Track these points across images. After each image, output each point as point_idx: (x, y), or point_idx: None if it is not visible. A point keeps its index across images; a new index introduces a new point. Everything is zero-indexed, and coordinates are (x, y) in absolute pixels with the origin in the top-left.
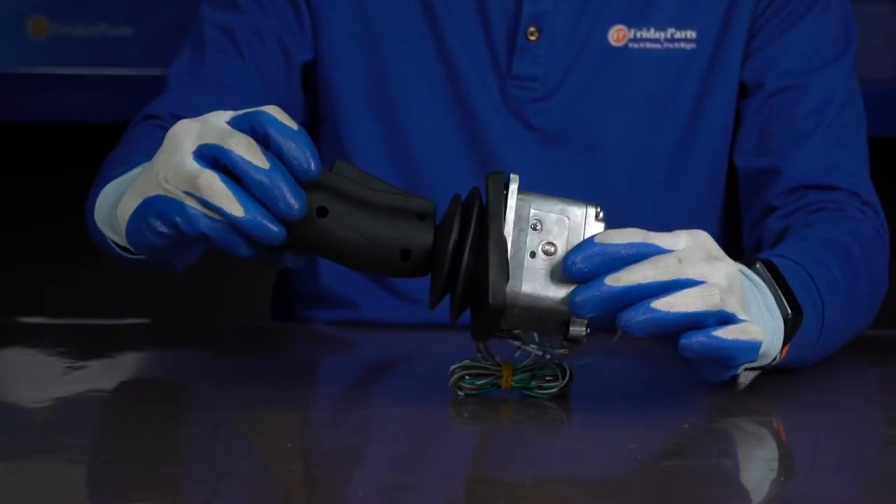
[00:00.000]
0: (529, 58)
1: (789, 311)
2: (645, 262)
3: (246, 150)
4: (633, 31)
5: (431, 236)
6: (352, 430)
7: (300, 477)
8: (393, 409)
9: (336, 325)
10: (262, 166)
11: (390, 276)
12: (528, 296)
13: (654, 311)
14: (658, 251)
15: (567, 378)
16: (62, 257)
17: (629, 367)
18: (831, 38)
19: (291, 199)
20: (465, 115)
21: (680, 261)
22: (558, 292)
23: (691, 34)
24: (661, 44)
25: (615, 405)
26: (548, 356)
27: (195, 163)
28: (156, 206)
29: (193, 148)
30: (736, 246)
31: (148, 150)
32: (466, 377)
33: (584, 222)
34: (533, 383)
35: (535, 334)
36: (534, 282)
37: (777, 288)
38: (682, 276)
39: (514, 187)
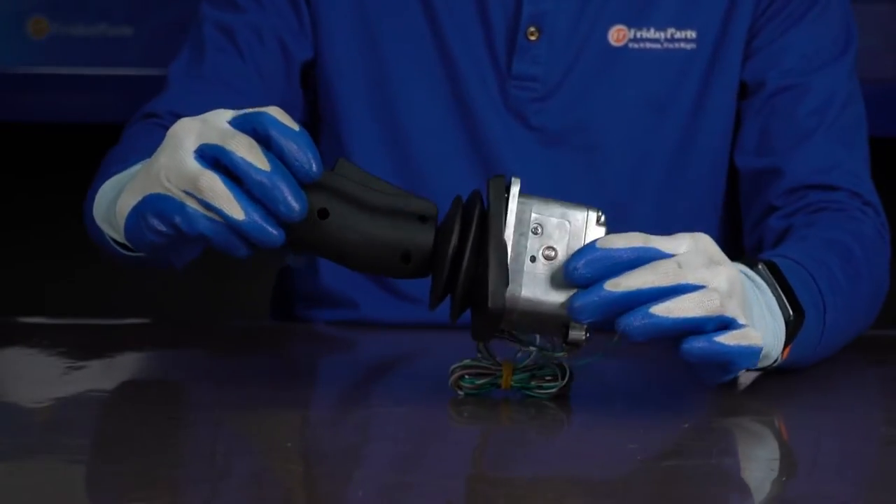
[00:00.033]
0: (529, 58)
1: (791, 313)
2: (644, 267)
3: (247, 151)
4: (633, 31)
5: (432, 238)
6: (352, 430)
7: (300, 477)
8: (393, 409)
9: (336, 325)
10: (264, 168)
11: (391, 277)
12: (528, 300)
13: (652, 316)
14: (659, 255)
15: (567, 378)
16: (62, 257)
17: (629, 367)
18: (832, 38)
19: (292, 201)
20: (465, 115)
21: (680, 266)
22: (558, 297)
23: (691, 34)
24: (661, 44)
25: (615, 405)
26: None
27: (196, 163)
28: (155, 205)
29: (195, 147)
30: (736, 246)
31: (147, 148)
32: (466, 376)
33: (585, 227)
34: (532, 383)
35: (536, 335)
36: (533, 286)
37: (779, 289)
38: (682, 282)
39: (515, 191)
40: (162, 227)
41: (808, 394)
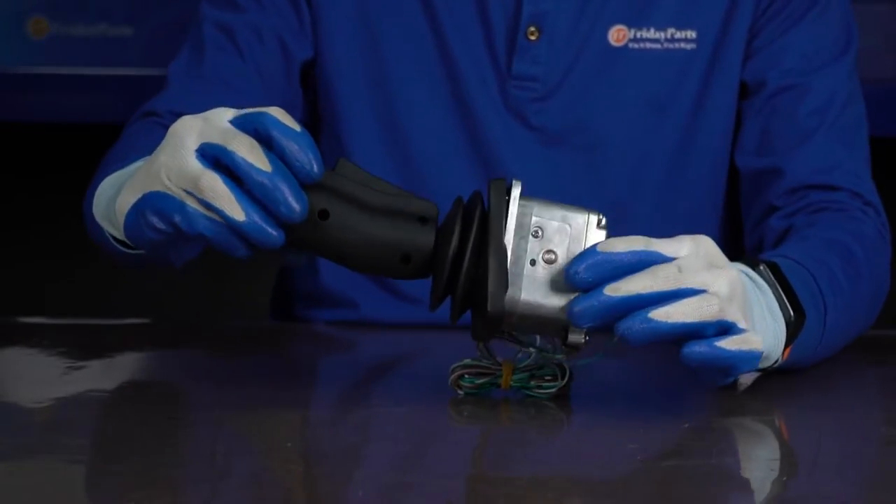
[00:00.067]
0: (529, 58)
1: (792, 314)
2: (644, 271)
3: (248, 151)
4: (633, 31)
5: (432, 240)
6: (352, 430)
7: (300, 477)
8: (393, 409)
9: (336, 325)
10: (265, 169)
11: (391, 278)
12: (527, 304)
13: (650, 321)
14: (660, 259)
15: (566, 378)
16: (62, 257)
17: (629, 367)
18: (832, 37)
19: (293, 202)
20: (466, 115)
21: (680, 270)
22: (557, 301)
23: (691, 34)
24: (662, 44)
25: (615, 405)
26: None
27: (197, 162)
28: (155, 203)
29: (196, 146)
30: (737, 246)
31: (147, 146)
32: (466, 376)
33: (586, 230)
34: (532, 383)
35: (537, 336)
36: (533, 290)
37: (780, 290)
38: (682, 286)
39: (515, 194)
40: (161, 226)
41: (808, 394)
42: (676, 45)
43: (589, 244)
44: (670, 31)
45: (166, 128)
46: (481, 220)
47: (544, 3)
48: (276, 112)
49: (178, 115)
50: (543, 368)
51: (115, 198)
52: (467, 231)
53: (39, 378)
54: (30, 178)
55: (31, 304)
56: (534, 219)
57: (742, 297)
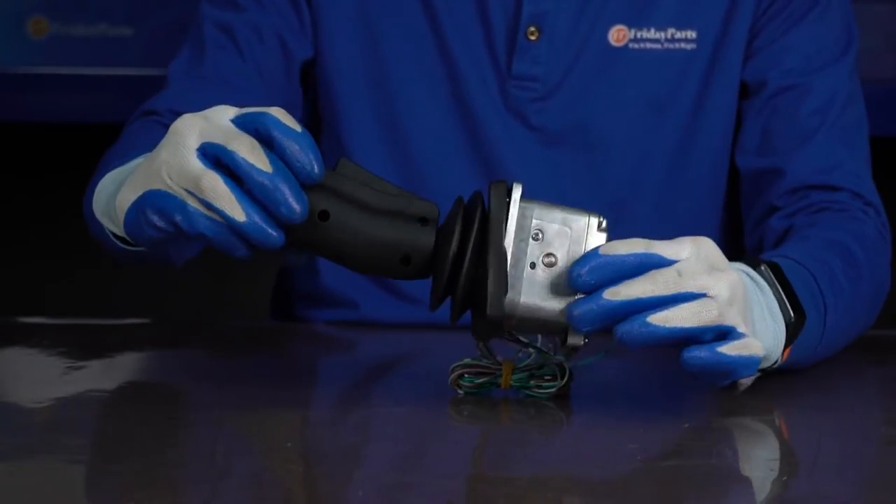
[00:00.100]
0: (530, 58)
1: (792, 315)
2: (644, 276)
3: (249, 152)
4: (633, 32)
5: (433, 241)
6: (352, 430)
7: (300, 477)
8: (393, 409)
9: (336, 325)
10: (265, 169)
11: (391, 279)
12: (527, 307)
13: (648, 325)
14: (662, 261)
15: (566, 378)
16: (62, 257)
17: (629, 367)
18: (833, 38)
19: (293, 203)
20: (466, 115)
21: (680, 274)
22: (557, 304)
23: (692, 34)
24: (662, 44)
25: (615, 405)
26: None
27: (198, 162)
28: (156, 202)
29: (197, 145)
30: (737, 246)
31: (147, 145)
32: (466, 375)
33: (586, 233)
34: (532, 382)
35: (538, 335)
36: (533, 293)
37: (780, 291)
38: (681, 291)
39: (516, 196)
40: (162, 224)
41: (808, 394)
42: (677, 45)
43: (589, 247)
44: (670, 31)
45: (166, 126)
46: (482, 221)
47: (544, 3)
48: (277, 112)
49: (178, 113)
50: (543, 368)
51: (115, 194)
52: (468, 232)
53: (39, 378)
54: (30, 178)
55: (31, 304)
56: (534, 221)
57: (742, 300)
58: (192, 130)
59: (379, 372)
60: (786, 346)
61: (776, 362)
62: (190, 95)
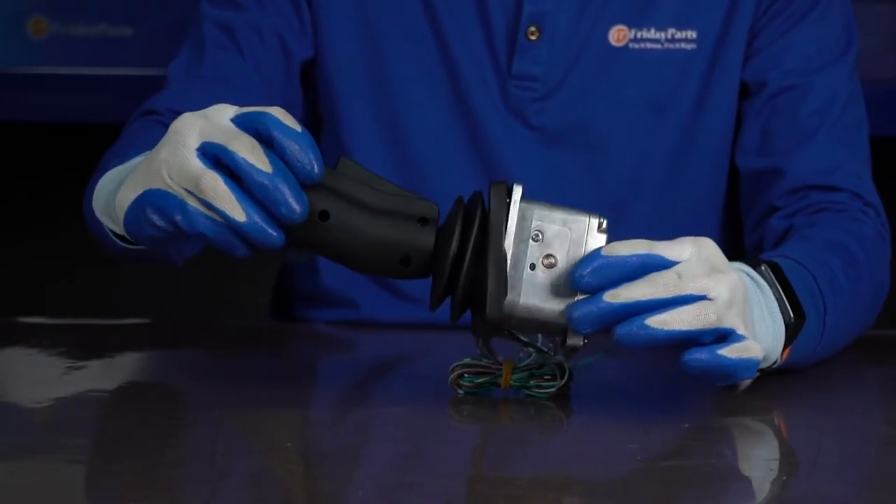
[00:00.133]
0: (530, 57)
1: (792, 315)
2: (644, 278)
3: (249, 152)
4: (633, 32)
5: (432, 242)
6: (352, 430)
7: (300, 477)
8: (393, 409)
9: (336, 325)
10: (265, 169)
11: (391, 278)
12: (526, 308)
13: (647, 327)
14: (664, 262)
15: (565, 378)
16: (62, 257)
17: (629, 367)
18: (833, 38)
19: (293, 203)
20: (466, 114)
21: (680, 276)
22: (557, 305)
23: (692, 34)
24: (662, 44)
25: (615, 405)
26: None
27: (199, 162)
28: (156, 201)
29: (197, 145)
30: (737, 246)
31: (147, 144)
32: (466, 375)
33: (586, 234)
34: (532, 382)
35: (538, 335)
36: (532, 294)
37: (780, 291)
38: (681, 293)
39: (516, 197)
40: (161, 223)
41: (808, 394)
42: (677, 45)
43: (589, 248)
44: (671, 31)
45: (166, 126)
46: (482, 221)
47: (544, 3)
48: (277, 112)
49: (179, 113)
50: (543, 368)
51: (115, 193)
52: (467, 232)
53: (39, 378)
54: (30, 178)
55: (31, 304)
56: (534, 223)
57: (742, 301)
58: (192, 130)
59: (379, 372)
60: (785, 347)
61: (775, 362)
62: (190, 95)
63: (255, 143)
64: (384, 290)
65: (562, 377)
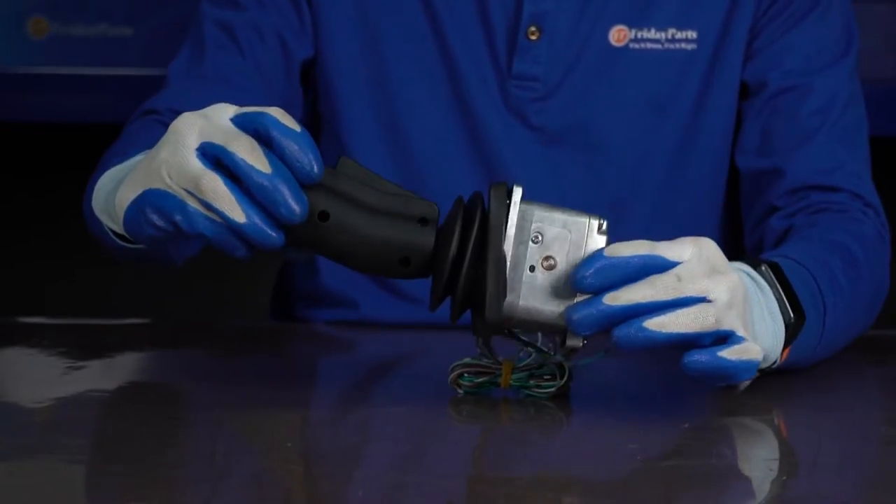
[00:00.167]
0: (530, 57)
1: (792, 316)
2: (644, 281)
3: (249, 153)
4: (633, 32)
5: (432, 242)
6: (352, 430)
7: (300, 477)
8: (393, 409)
9: (336, 325)
10: (264, 170)
11: (391, 278)
12: (526, 310)
13: (645, 330)
14: (665, 263)
15: (565, 378)
16: (62, 257)
17: (629, 367)
18: (833, 39)
19: (293, 204)
20: (466, 114)
21: (679, 279)
22: (556, 307)
23: (692, 34)
24: (662, 44)
25: (615, 405)
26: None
27: (198, 162)
28: (156, 201)
29: (196, 145)
30: (737, 246)
31: (147, 143)
32: (465, 374)
33: (586, 236)
34: (531, 382)
35: (539, 334)
36: (532, 296)
37: (781, 291)
38: (681, 296)
39: (516, 199)
40: (161, 224)
41: (808, 394)
42: (677, 45)
43: (589, 250)
44: (671, 31)
45: (166, 126)
46: (481, 222)
47: (545, 3)
48: (276, 112)
49: (179, 113)
50: (543, 368)
51: (114, 192)
52: (467, 232)
53: (39, 378)
54: (30, 178)
55: (31, 304)
56: (534, 224)
57: (742, 303)
58: (192, 130)
59: (379, 372)
60: (785, 347)
61: (775, 362)
62: (190, 94)
63: (254, 143)
64: (384, 290)
65: (561, 377)
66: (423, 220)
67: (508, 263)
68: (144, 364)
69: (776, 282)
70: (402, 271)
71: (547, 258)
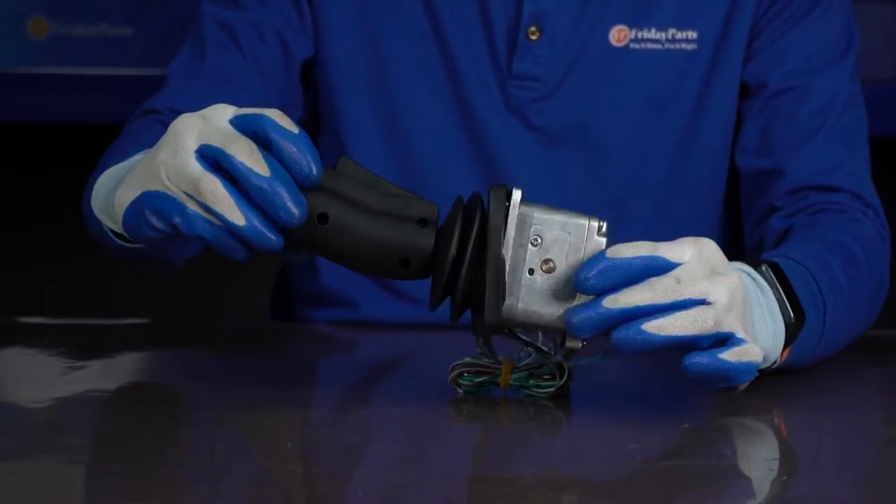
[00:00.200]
0: (530, 57)
1: (792, 316)
2: (643, 283)
3: (247, 156)
4: (634, 32)
5: (432, 243)
6: (352, 430)
7: (300, 477)
8: (393, 409)
9: (336, 325)
10: (263, 173)
11: (391, 279)
12: (525, 313)
13: (643, 332)
14: (667, 264)
15: (564, 378)
16: (62, 257)
17: (629, 367)
18: (833, 39)
19: (292, 207)
20: (466, 114)
21: (678, 281)
22: (555, 309)
23: (692, 35)
24: (662, 44)
25: (615, 405)
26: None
27: (197, 164)
28: (155, 203)
29: (195, 147)
30: (737, 246)
31: (146, 143)
32: (465, 374)
33: (586, 238)
34: (531, 382)
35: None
36: (531, 300)
37: (781, 291)
38: (680, 298)
39: (516, 201)
40: (160, 225)
41: (808, 394)
42: (677, 45)
43: (588, 252)
44: (671, 31)
45: (166, 125)
46: (481, 223)
47: (545, 3)
48: (274, 114)
49: (179, 112)
50: (542, 368)
51: (113, 191)
52: (467, 232)
53: (39, 378)
54: (30, 178)
55: (31, 304)
56: (533, 227)
57: (742, 304)
58: (191, 132)
59: (379, 372)
60: (785, 347)
61: (775, 362)
62: (190, 94)
63: (253, 146)
64: (384, 289)
65: (561, 377)
66: (423, 222)
67: (507, 267)
68: (144, 364)
69: (776, 282)
70: (402, 272)
71: (546, 261)
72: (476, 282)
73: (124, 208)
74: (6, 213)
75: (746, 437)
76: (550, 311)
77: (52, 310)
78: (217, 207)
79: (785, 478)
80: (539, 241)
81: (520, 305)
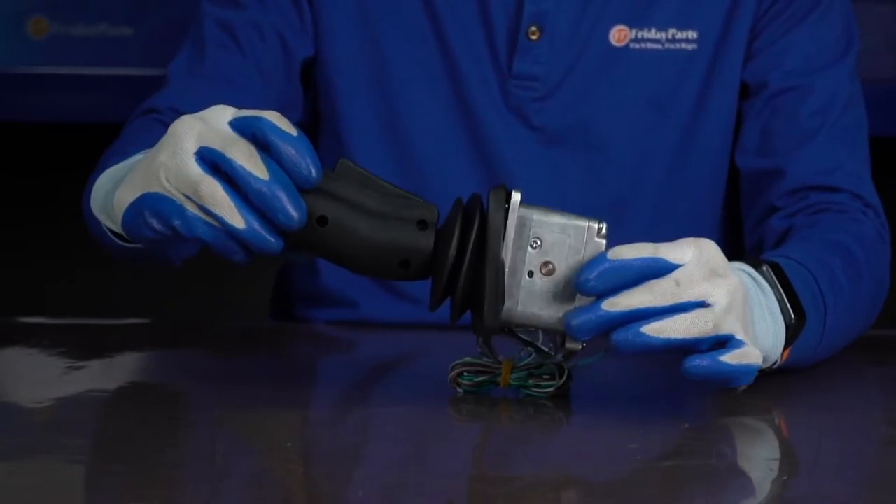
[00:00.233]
0: (531, 57)
1: (792, 316)
2: (643, 286)
3: (247, 159)
4: (634, 32)
5: (431, 245)
6: (352, 430)
7: (300, 477)
8: (393, 409)
9: (336, 325)
10: (262, 176)
11: (390, 280)
12: (524, 315)
13: (642, 335)
14: (668, 266)
15: (564, 377)
16: (62, 257)
17: (629, 367)
18: (833, 38)
19: (291, 210)
20: (466, 114)
21: (678, 283)
22: (555, 311)
23: (692, 34)
24: (663, 44)
25: (615, 405)
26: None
27: (197, 167)
28: (154, 205)
29: (195, 149)
30: (737, 246)
31: (146, 143)
32: (465, 373)
33: (585, 240)
34: (531, 381)
35: (539, 333)
36: (530, 302)
37: (781, 291)
38: (680, 301)
39: (515, 204)
40: (159, 227)
41: (808, 394)
42: (678, 45)
43: (588, 254)
44: (671, 31)
45: (166, 125)
46: (480, 224)
47: (545, 3)
48: (273, 116)
49: (179, 112)
50: (542, 367)
51: (113, 191)
52: (467, 233)
53: (39, 378)
54: (30, 178)
55: (31, 304)
56: (532, 229)
57: (742, 306)
58: (190, 133)
59: (379, 372)
60: (785, 347)
61: (776, 363)
62: (190, 93)
63: (252, 149)
64: (384, 290)
65: (561, 377)
66: (423, 223)
67: (507, 269)
68: (144, 364)
69: (777, 282)
70: (402, 274)
71: (546, 263)
72: (476, 282)
73: (124, 209)
74: (6, 213)
75: (746, 437)
76: (550, 313)
77: (52, 310)
78: (217, 211)
79: (785, 478)
80: (538, 243)
81: (519, 308)
